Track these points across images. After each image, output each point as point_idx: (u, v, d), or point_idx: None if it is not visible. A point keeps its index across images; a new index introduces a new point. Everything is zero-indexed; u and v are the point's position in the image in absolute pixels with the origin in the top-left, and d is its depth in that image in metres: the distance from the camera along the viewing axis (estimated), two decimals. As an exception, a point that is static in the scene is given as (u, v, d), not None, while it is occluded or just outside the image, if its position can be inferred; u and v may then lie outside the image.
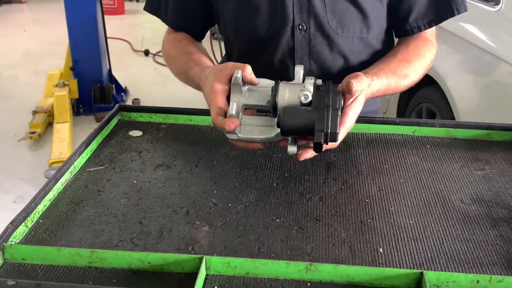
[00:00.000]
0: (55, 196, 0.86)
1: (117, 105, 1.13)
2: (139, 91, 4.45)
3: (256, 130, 0.88)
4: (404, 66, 1.08)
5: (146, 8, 1.22)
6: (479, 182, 0.92)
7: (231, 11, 1.12)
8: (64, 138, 3.33)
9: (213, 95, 0.89)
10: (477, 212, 0.84)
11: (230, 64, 0.91)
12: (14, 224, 0.74)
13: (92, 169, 0.94)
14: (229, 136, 0.88)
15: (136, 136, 1.07)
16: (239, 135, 0.87)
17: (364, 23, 1.11)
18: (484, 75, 2.21)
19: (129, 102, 4.13)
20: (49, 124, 3.68)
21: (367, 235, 0.78)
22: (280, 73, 1.11)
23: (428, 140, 1.06)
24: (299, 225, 0.80)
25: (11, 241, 0.73)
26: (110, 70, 4.11)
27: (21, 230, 0.76)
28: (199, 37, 1.22)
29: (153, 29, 6.36)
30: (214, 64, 1.10)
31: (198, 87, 1.03)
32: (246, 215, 0.82)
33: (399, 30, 1.16)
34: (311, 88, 0.83)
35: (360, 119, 1.02)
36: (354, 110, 0.89)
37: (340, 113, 0.83)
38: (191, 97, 4.29)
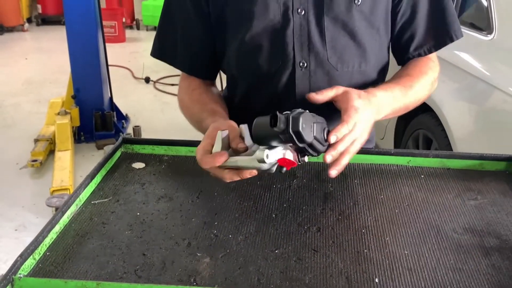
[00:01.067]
0: (61, 229, 0.88)
1: (120, 138, 1.16)
2: (140, 118, 4.50)
3: (240, 161, 0.90)
4: (407, 80, 1.11)
5: (153, 54, 1.25)
6: (471, 212, 0.95)
7: (235, 50, 1.16)
8: (66, 166, 3.37)
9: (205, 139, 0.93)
10: (469, 242, 0.87)
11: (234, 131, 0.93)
12: (23, 257, 0.77)
13: (96, 202, 0.97)
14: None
15: (139, 168, 1.10)
16: (226, 162, 0.88)
17: (362, 57, 1.15)
18: (478, 103, 2.25)
19: (130, 129, 4.17)
20: (50, 152, 3.72)
21: (363, 266, 0.80)
22: (281, 107, 1.14)
23: (422, 170, 1.09)
24: (297, 256, 0.83)
25: (19, 273, 0.76)
26: (111, 98, 4.17)
27: (29, 263, 0.78)
28: (211, 77, 1.25)
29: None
30: (226, 110, 1.14)
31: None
32: (246, 246, 0.85)
33: (401, 58, 1.20)
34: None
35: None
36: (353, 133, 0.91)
37: (322, 136, 0.86)
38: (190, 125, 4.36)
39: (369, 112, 0.95)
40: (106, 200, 0.98)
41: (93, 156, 3.81)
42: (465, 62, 2.34)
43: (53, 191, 3.06)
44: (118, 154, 1.15)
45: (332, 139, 0.87)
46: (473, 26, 2.47)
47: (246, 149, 0.90)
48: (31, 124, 4.24)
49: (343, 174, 1.06)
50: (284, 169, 0.85)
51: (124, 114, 4.41)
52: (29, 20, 7.87)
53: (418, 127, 2.57)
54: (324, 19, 1.10)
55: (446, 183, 1.04)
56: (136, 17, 7.89)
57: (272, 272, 0.79)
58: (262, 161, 0.83)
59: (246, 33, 1.12)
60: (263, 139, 0.86)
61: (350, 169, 1.09)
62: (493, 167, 1.09)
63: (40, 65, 6.03)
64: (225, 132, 0.91)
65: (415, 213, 0.94)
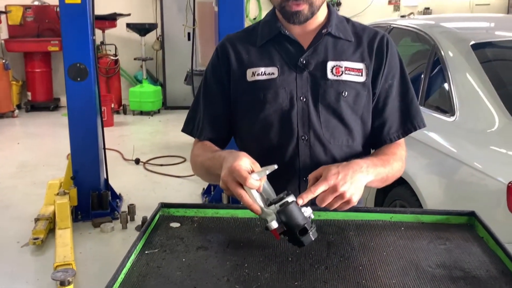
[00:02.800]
0: (127, 271, 1.13)
1: (159, 203, 1.43)
2: (133, 197, 4.72)
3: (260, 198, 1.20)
4: (384, 156, 1.43)
5: (184, 130, 1.56)
6: (442, 253, 1.23)
7: (249, 126, 1.47)
8: (67, 242, 3.55)
9: (241, 157, 1.22)
10: (441, 274, 1.14)
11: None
12: (108, 288, 1.02)
13: (148, 252, 1.23)
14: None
15: (176, 227, 1.36)
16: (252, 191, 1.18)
17: (349, 135, 1.47)
18: (447, 176, 2.57)
19: (124, 208, 4.38)
20: (50, 230, 3.89)
21: (362, 291, 1.07)
22: (288, 174, 1.44)
23: (402, 224, 1.37)
24: (312, 286, 1.09)
25: (107, 300, 1.00)
26: (106, 179, 4.41)
27: (111, 293, 1.03)
28: (222, 147, 1.55)
29: (141, 140, 6.78)
30: None
31: (219, 168, 1.29)
32: (273, 280, 1.11)
33: (374, 142, 1.53)
34: (308, 214, 1.19)
35: (349, 209, 1.32)
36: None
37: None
38: (181, 200, 4.58)
39: (349, 172, 1.25)
40: (156, 250, 1.24)
41: (90, 234, 3.99)
42: (434, 141, 2.68)
43: (57, 266, 3.23)
44: (157, 216, 1.41)
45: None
46: (439, 109, 2.84)
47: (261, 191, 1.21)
48: (29, 205, 4.42)
49: (340, 228, 1.34)
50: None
51: (118, 193, 4.63)
52: (18, 107, 8.17)
53: (395, 198, 2.87)
54: (319, 105, 1.43)
55: (421, 233, 1.33)
56: (123, 102, 8.27)
57: (296, 296, 1.04)
58: (266, 220, 1.17)
59: (260, 113, 1.44)
60: (285, 218, 1.16)
61: (346, 224, 1.37)
62: (457, 221, 1.39)
63: (32, 149, 6.27)
64: (267, 171, 1.19)
65: (399, 254, 1.22)
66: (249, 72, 1.45)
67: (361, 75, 1.44)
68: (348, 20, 1.51)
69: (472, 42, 2.78)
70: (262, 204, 1.19)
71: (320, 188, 1.21)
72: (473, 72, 2.64)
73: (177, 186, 5.07)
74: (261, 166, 1.26)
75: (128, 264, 1.16)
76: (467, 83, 2.65)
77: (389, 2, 9.22)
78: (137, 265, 1.17)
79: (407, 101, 1.50)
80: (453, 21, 3.76)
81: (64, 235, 3.68)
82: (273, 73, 1.43)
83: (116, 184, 4.69)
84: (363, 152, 1.50)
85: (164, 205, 1.44)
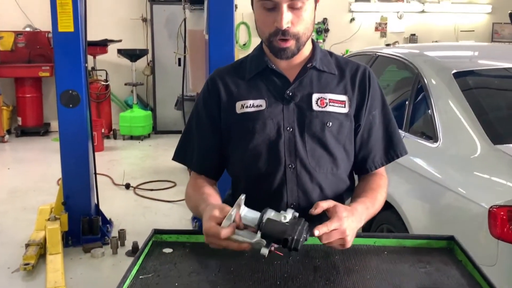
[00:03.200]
0: (122, 295, 1.19)
1: (152, 230, 1.48)
2: (123, 222, 4.74)
3: (241, 237, 1.26)
4: (372, 193, 1.52)
5: (174, 158, 1.63)
6: (422, 276, 1.29)
7: (240, 155, 1.54)
8: (58, 268, 3.57)
9: (208, 217, 1.29)
10: (421, 296, 1.20)
11: (227, 208, 1.30)
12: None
13: (143, 277, 1.28)
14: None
15: (169, 252, 1.42)
16: (232, 237, 1.24)
17: (334, 164, 1.54)
18: (431, 201, 2.64)
19: (114, 233, 4.41)
20: (41, 256, 3.91)
21: (347, 312, 1.13)
22: (276, 200, 1.51)
23: (385, 248, 1.44)
24: (299, 308, 1.15)
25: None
26: (97, 204, 4.44)
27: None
28: (216, 178, 1.62)
29: (131, 164, 6.82)
30: (220, 198, 1.50)
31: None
32: (261, 303, 1.17)
33: (359, 169, 1.60)
34: (290, 215, 1.24)
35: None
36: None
37: (306, 235, 1.24)
38: (171, 225, 4.61)
39: (353, 219, 1.34)
40: (149, 275, 1.29)
41: (81, 259, 4.01)
42: (419, 166, 2.76)
43: (48, 291, 3.25)
44: (151, 242, 1.46)
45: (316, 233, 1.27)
46: (423, 135, 2.92)
47: (243, 227, 1.27)
48: (19, 230, 4.43)
49: (326, 253, 1.40)
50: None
51: (108, 218, 4.66)
52: (8, 132, 8.19)
53: (383, 222, 2.93)
54: (305, 135, 1.50)
55: (403, 256, 1.39)
56: (113, 127, 8.32)
57: (283, 318, 1.10)
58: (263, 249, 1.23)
59: (249, 143, 1.51)
60: (268, 238, 1.22)
61: (331, 249, 1.42)
62: (437, 245, 1.45)
63: (23, 174, 6.29)
64: (234, 211, 1.25)
65: (382, 277, 1.28)
66: (238, 104, 1.52)
67: (344, 107, 1.52)
68: (331, 54, 1.60)
69: (454, 71, 2.88)
70: (248, 239, 1.25)
71: (334, 225, 1.29)
72: (455, 99, 2.73)
73: (167, 211, 5.11)
74: (250, 192, 1.33)
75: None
76: (450, 110, 2.74)
77: (376, 29, 9.41)
78: (132, 290, 1.22)
79: (389, 130, 1.58)
80: (436, 50, 3.87)
81: (55, 260, 3.69)
82: (261, 105, 1.50)
83: (106, 209, 4.71)
84: (347, 179, 1.57)
85: (157, 231, 1.49)
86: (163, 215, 5.02)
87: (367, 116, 1.55)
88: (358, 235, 1.47)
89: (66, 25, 3.90)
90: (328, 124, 1.50)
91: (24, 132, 8.26)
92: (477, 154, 2.49)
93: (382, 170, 1.61)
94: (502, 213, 2.12)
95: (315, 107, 1.50)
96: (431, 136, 2.80)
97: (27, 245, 3.95)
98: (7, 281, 3.63)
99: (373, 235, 1.48)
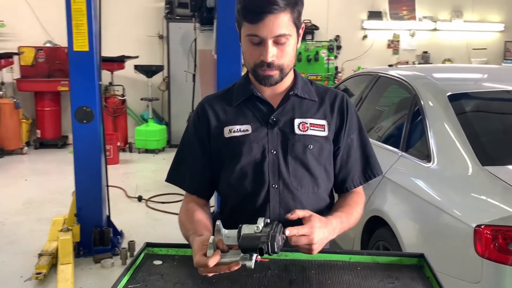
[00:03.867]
0: (111, 302, 1.31)
1: (144, 243, 1.61)
2: (134, 234, 4.88)
3: (228, 258, 1.37)
4: (349, 209, 1.63)
5: (167, 180, 1.76)
6: (389, 291, 1.40)
7: (228, 176, 1.66)
8: (68, 277, 3.72)
9: (194, 250, 1.41)
10: (385, 309, 1.30)
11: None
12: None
13: (131, 286, 1.40)
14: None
15: (158, 264, 1.54)
16: (221, 260, 1.35)
17: (315, 183, 1.66)
18: (423, 219, 2.72)
19: (124, 244, 4.54)
20: (53, 266, 4.06)
21: (313, 322, 1.24)
22: (259, 216, 1.61)
23: (359, 264, 1.54)
24: (270, 318, 1.26)
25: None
26: (109, 216, 4.59)
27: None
28: (207, 198, 1.74)
29: (145, 177, 6.98)
30: (210, 223, 1.62)
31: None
32: (237, 312, 1.28)
33: (339, 188, 1.72)
34: (262, 224, 1.35)
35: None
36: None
37: (281, 237, 1.34)
38: (180, 238, 4.74)
39: (325, 231, 1.46)
40: (138, 285, 1.41)
41: (91, 269, 4.15)
42: (413, 186, 2.85)
43: (57, 300, 3.39)
44: (142, 254, 1.59)
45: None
46: (419, 155, 3.01)
47: (228, 249, 1.37)
48: (33, 241, 4.60)
49: (303, 267, 1.51)
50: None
51: (119, 230, 4.80)
52: (27, 144, 8.43)
53: (379, 239, 3.02)
54: (288, 157, 1.62)
55: (375, 272, 1.50)
56: (129, 140, 8.52)
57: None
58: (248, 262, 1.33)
59: (236, 165, 1.63)
60: (246, 251, 1.33)
61: (308, 263, 1.54)
62: (408, 262, 1.55)
63: (39, 186, 6.49)
64: (212, 238, 1.37)
65: (351, 291, 1.39)
66: (226, 129, 1.65)
67: (324, 130, 1.64)
68: (312, 82, 1.73)
69: (449, 93, 2.98)
70: (234, 258, 1.36)
71: (303, 231, 1.42)
72: (449, 121, 2.82)
73: (177, 224, 5.22)
74: (237, 209, 1.46)
75: (113, 297, 1.33)
76: (443, 131, 2.83)
77: (388, 46, 9.50)
78: (121, 298, 1.34)
79: (367, 152, 1.70)
80: (437, 72, 3.97)
81: (66, 270, 3.84)
82: (247, 130, 1.63)
83: (118, 220, 4.86)
84: (327, 197, 1.69)
85: (148, 244, 1.62)
86: (172, 227, 5.12)
87: (346, 139, 1.67)
88: (334, 252, 1.58)
89: (81, 44, 4.08)
90: (309, 147, 1.62)
91: (42, 144, 8.49)
92: (466, 175, 2.58)
93: (360, 188, 1.72)
94: (486, 232, 2.21)
95: (297, 131, 1.62)
96: (425, 156, 2.89)
97: (40, 255, 4.11)
98: (20, 289, 3.78)
99: (349, 251, 1.59)
